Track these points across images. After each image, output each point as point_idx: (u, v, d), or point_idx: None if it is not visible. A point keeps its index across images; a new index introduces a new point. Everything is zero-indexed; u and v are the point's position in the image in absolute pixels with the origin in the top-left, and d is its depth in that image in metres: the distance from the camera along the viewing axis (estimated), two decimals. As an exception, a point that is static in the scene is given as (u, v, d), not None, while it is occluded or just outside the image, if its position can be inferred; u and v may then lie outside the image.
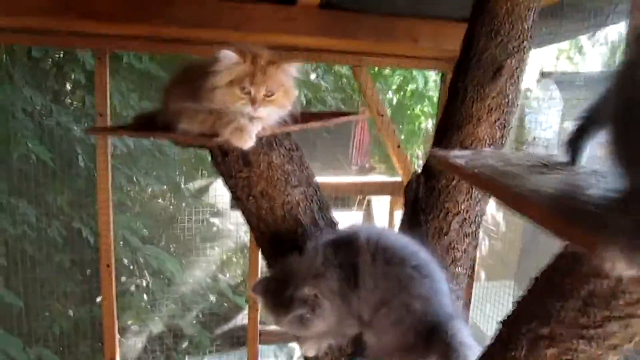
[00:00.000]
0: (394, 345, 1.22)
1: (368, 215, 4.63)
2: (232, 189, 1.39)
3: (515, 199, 0.65)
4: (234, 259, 5.51)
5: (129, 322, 4.69)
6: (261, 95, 1.18)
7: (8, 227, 3.44)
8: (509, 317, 0.88)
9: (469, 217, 1.53)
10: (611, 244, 0.48)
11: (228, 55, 1.17)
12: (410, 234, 1.58)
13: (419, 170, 1.64)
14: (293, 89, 1.26)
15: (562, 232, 0.57)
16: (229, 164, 1.34)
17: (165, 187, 4.84)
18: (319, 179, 1.49)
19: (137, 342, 4.74)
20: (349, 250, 1.23)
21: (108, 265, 2.55)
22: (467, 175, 0.84)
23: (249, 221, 1.44)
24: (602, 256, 0.49)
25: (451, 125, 1.56)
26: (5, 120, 3.37)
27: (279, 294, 1.21)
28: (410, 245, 1.28)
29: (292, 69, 1.24)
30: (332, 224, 1.45)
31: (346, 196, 4.43)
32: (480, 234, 2.76)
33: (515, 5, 1.51)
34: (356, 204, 4.68)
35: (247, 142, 1.14)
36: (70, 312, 4.39)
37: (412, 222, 1.57)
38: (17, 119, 3.39)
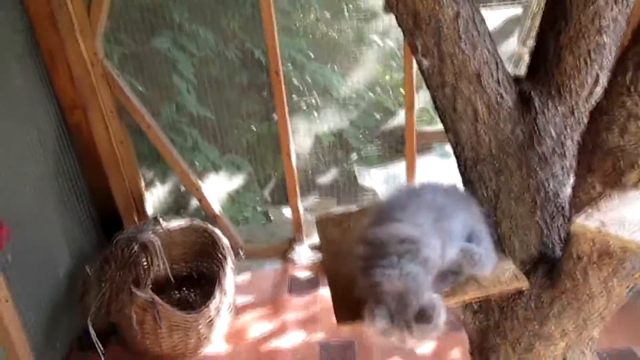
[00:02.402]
0: None
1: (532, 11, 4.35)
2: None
3: None
4: (392, 74, 5.62)
5: (302, 134, 5.23)
6: None
7: (194, 51, 3.94)
8: (623, 49, 0.92)
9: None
10: None
11: None
12: (554, 5, 1.56)
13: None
14: None
15: None
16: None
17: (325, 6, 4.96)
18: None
19: (309, 151, 5.30)
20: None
21: (277, 73, 2.88)
22: None
23: (388, 2, 1.53)
24: None
25: None
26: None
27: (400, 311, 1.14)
28: None
29: None
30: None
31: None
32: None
33: None
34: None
35: None
36: (253, 128, 5.04)
37: (556, -7, 1.53)
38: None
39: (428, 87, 1.61)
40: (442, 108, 1.60)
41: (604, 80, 1.58)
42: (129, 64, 3.67)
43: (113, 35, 3.61)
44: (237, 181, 4.54)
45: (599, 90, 1.58)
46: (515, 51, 4.68)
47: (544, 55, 1.59)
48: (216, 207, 3.84)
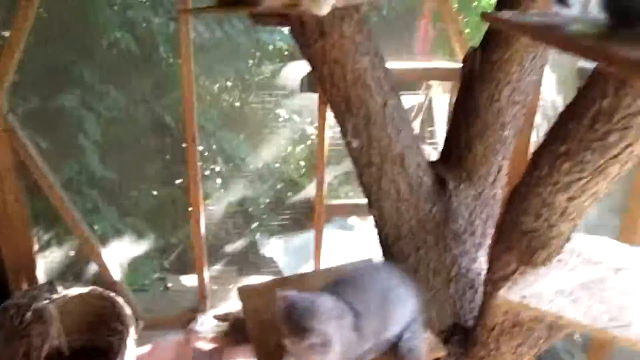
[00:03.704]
0: None
1: (427, 98, 4.82)
2: (310, 58, 1.61)
3: (536, 33, 0.84)
4: (298, 149, 5.85)
5: (206, 202, 5.20)
6: None
7: (102, 111, 3.85)
8: (537, 148, 1.09)
9: (518, 87, 1.68)
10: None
11: None
12: (464, 102, 1.78)
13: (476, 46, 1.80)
14: None
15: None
16: (307, 34, 1.55)
17: (235, 77, 5.12)
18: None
19: (213, 220, 5.26)
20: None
21: (193, 140, 2.89)
22: (508, 25, 1.02)
23: (323, 87, 1.66)
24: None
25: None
26: (93, 12, 3.67)
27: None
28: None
29: None
30: (395, 88, 1.65)
31: (412, 81, 4.59)
32: (539, 118, 2.91)
33: None
34: (422, 88, 4.88)
35: (323, 9, 1.33)
36: (154, 192, 4.92)
37: (467, 91, 1.75)
38: (102, 10, 3.67)
39: (355, 166, 1.73)
40: (368, 186, 1.71)
41: (505, 170, 1.81)
42: (34, 120, 3.49)
43: (19, 89, 3.45)
44: (137, 247, 4.35)
45: (501, 178, 1.81)
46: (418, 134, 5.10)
47: (456, 143, 1.79)
48: (115, 274, 3.64)
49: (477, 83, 1.72)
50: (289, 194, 5.69)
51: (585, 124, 0.92)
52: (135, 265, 4.25)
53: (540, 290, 1.15)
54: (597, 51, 0.62)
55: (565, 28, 0.82)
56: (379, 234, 1.79)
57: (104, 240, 3.95)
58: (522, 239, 1.19)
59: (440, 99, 4.66)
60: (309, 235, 4.11)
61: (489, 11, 1.21)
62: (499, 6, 1.69)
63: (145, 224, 4.42)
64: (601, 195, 1.08)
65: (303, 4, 1.35)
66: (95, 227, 3.90)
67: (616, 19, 0.76)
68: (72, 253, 4.11)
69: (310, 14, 1.36)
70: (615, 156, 0.92)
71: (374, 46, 1.62)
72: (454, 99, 3.33)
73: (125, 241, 4.20)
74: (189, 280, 4.07)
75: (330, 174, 4.63)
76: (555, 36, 0.78)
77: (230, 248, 5.26)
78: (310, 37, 1.55)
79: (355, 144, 1.66)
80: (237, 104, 5.49)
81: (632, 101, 0.85)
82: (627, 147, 0.90)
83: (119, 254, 4.00)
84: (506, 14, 1.08)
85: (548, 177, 1.04)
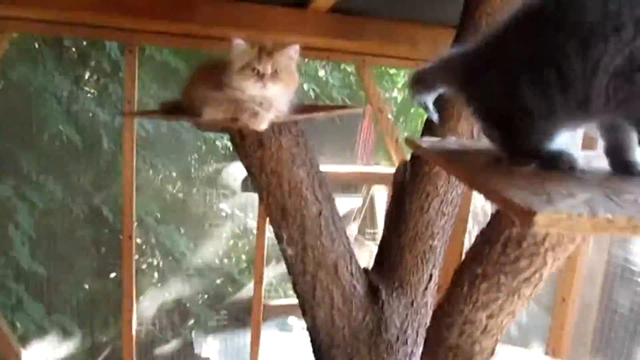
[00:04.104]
0: None
1: (370, 201, 4.98)
2: (248, 167, 1.67)
3: (449, 166, 0.93)
4: (240, 244, 5.81)
5: (140, 298, 4.99)
6: (268, 72, 1.43)
7: (37, 202, 3.75)
8: (458, 266, 1.15)
9: (447, 199, 1.79)
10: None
11: (239, 44, 1.44)
12: (396, 211, 1.86)
13: (407, 159, 1.91)
14: (295, 70, 1.51)
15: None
16: (246, 145, 1.61)
17: (178, 171, 5.13)
18: (326, 168, 1.75)
19: (146, 317, 5.04)
20: None
21: (130, 237, 2.84)
22: (426, 153, 1.11)
23: (260, 195, 1.71)
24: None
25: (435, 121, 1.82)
26: (37, 104, 3.68)
27: None
28: None
29: (292, 51, 1.49)
30: (330, 198, 1.72)
31: (352, 184, 4.78)
32: (470, 224, 3.05)
33: (495, 19, 1.77)
34: (363, 190, 5.06)
35: (261, 125, 1.40)
36: (86, 286, 4.70)
37: (398, 202, 1.84)
38: (48, 103, 3.69)
39: (289, 273, 1.74)
40: (302, 293, 1.72)
41: (436, 278, 1.86)
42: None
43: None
44: (62, 348, 4.07)
45: (433, 286, 1.86)
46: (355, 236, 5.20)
47: (388, 251, 1.85)
48: (33, 378, 3.37)
49: (408, 194, 1.81)
50: (229, 289, 5.57)
51: (497, 249, 0.99)
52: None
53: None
54: (497, 196, 0.69)
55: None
56: (312, 341, 1.78)
57: (25, 339, 3.69)
58: (447, 353, 1.22)
59: (383, 196, 4.84)
60: (247, 335, 4.00)
61: (410, 136, 1.31)
62: (425, 129, 1.83)
63: (73, 321, 4.18)
64: (518, 313, 1.14)
65: (243, 120, 1.42)
66: (18, 325, 3.65)
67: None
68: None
69: (250, 129, 1.43)
70: (527, 279, 0.99)
71: (311, 157, 1.70)
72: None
73: (50, 341, 3.93)
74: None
75: (270, 272, 4.59)
76: (463, 173, 0.86)
77: (164, 348, 5.01)
78: (249, 147, 1.61)
79: (290, 251, 1.69)
80: (180, 195, 5.47)
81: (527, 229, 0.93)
82: (535, 272, 0.97)
83: (41, 356, 3.74)
84: (426, 142, 1.18)
85: (468, 295, 1.10)
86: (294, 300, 1.82)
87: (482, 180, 0.79)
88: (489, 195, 0.73)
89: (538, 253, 0.96)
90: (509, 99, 0.88)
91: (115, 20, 2.48)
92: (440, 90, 1.11)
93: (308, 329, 1.80)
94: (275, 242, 1.78)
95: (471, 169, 0.89)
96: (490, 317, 1.13)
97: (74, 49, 4.22)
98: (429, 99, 1.14)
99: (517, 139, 0.89)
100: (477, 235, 1.09)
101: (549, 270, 1.00)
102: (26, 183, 3.75)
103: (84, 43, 4.16)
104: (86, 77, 4.44)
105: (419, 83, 1.13)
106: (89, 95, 4.25)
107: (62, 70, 3.95)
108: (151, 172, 5.09)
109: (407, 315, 1.78)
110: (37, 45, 3.86)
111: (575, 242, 0.98)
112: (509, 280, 1.02)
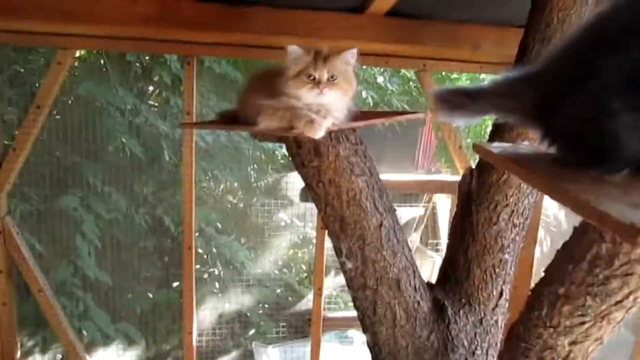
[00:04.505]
0: None
1: (431, 210, 4.82)
2: (304, 177, 1.60)
3: (524, 174, 0.82)
4: (299, 253, 5.78)
5: (201, 307, 5.04)
6: (325, 78, 1.37)
7: (102, 213, 3.86)
8: (535, 285, 1.03)
9: (517, 209, 1.66)
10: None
11: (294, 50, 1.39)
12: (461, 223, 1.74)
13: (474, 166, 1.80)
14: (353, 76, 1.45)
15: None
16: (303, 154, 1.55)
17: (238, 181, 5.16)
18: (385, 177, 1.67)
19: (207, 327, 5.08)
20: None
21: (189, 248, 2.84)
22: (498, 160, 1.00)
23: (317, 205, 1.64)
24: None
25: (505, 124, 1.70)
26: (102, 118, 3.80)
27: None
28: None
29: (350, 55, 1.42)
30: (391, 209, 1.63)
31: (414, 193, 4.64)
32: (542, 233, 2.86)
33: (567, 15, 1.64)
34: (423, 200, 4.91)
35: (318, 133, 1.33)
36: (150, 295, 4.80)
37: (464, 212, 1.72)
38: (112, 117, 3.81)
39: (349, 288, 1.66)
40: (362, 309, 1.64)
41: (507, 294, 1.73)
42: (31, 220, 3.51)
43: (20, 189, 3.49)
44: (127, 356, 4.16)
45: (503, 303, 1.73)
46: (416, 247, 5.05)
47: (454, 265, 1.73)
48: (98, 385, 3.45)
49: (474, 204, 1.70)
50: (289, 299, 5.54)
51: (583, 267, 0.87)
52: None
53: None
54: (588, 209, 0.59)
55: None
56: (374, 359, 1.69)
57: (91, 347, 3.79)
58: (524, 382, 1.10)
59: (446, 205, 4.68)
60: (307, 346, 3.95)
61: (478, 142, 1.21)
62: (493, 134, 1.71)
63: (137, 330, 4.26)
64: (606, 339, 1.01)
65: (299, 128, 1.36)
66: (84, 332, 3.76)
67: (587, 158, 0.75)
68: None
69: (306, 137, 1.37)
70: (619, 302, 0.87)
71: (370, 166, 1.62)
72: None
73: (114, 349, 4.03)
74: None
75: (329, 283, 4.53)
76: (543, 182, 0.76)
77: (225, 358, 5.03)
78: (305, 157, 1.55)
79: (349, 265, 1.61)
80: (240, 205, 5.51)
81: (632, 248, 0.80)
82: (629, 294, 0.85)
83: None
84: (496, 148, 1.07)
85: (548, 318, 0.98)
86: (354, 313, 1.74)
87: (566, 190, 0.69)
88: (578, 207, 0.63)
89: (633, 273, 0.83)
90: (602, 124, 0.75)
91: (172, 33, 2.49)
92: (486, 117, 0.99)
93: (369, 346, 1.72)
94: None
95: (551, 177, 0.78)
96: (573, 343, 1.01)
97: (137, 64, 4.34)
98: (465, 122, 1.03)
99: (609, 154, 0.77)
100: (558, 251, 0.98)
101: (646, 292, 0.87)
102: (92, 194, 3.87)
103: (147, 58, 4.27)
104: (149, 91, 4.55)
105: (455, 109, 1.01)
106: (151, 108, 4.35)
107: (126, 85, 4.07)
108: (212, 182, 5.16)
109: (475, 334, 1.65)
110: (102, 62, 4.01)
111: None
112: (596, 303, 0.90)
